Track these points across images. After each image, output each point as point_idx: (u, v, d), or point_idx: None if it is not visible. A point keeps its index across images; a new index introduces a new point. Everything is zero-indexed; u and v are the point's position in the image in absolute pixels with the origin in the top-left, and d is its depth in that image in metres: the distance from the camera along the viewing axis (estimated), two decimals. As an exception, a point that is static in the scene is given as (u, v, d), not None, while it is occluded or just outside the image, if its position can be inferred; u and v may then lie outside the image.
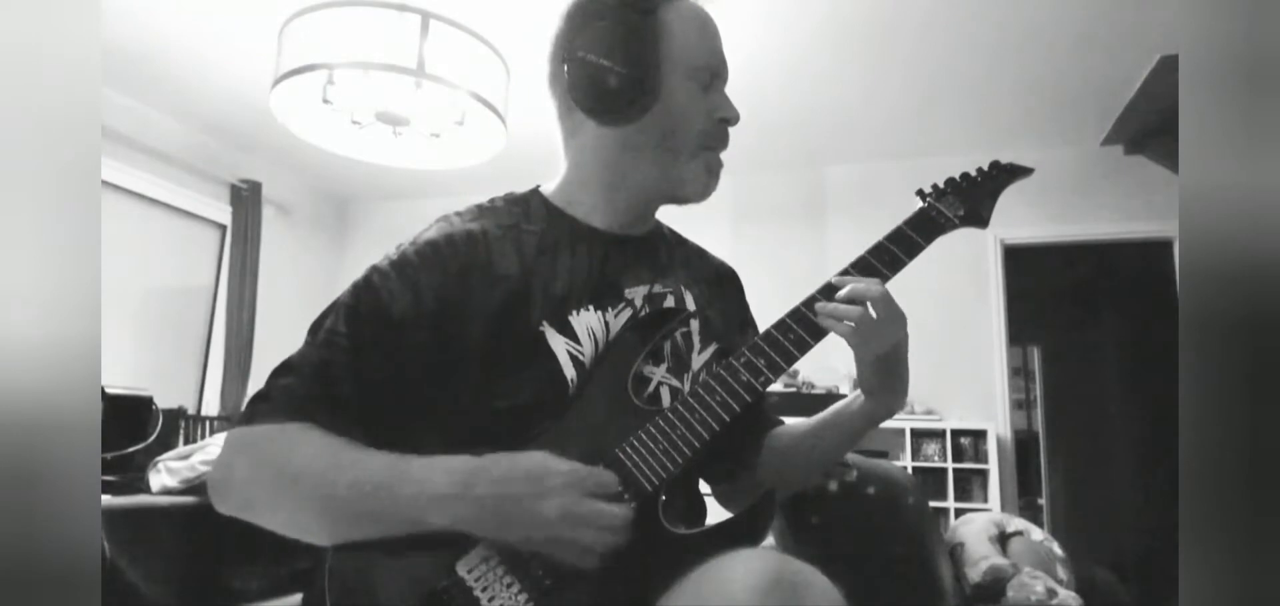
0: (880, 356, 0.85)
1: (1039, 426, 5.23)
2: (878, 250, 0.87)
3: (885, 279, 0.85)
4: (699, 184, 0.91)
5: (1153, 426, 4.76)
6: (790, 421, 1.04)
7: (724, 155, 0.93)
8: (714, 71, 0.91)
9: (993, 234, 4.21)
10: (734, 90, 0.94)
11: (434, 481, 0.72)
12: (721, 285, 1.05)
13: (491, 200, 0.94)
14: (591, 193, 0.93)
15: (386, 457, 0.75)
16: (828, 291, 0.84)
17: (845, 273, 0.86)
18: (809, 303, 0.84)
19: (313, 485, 0.74)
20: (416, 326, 0.81)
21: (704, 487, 0.97)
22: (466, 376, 0.82)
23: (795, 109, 3.96)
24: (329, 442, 0.76)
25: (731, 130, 0.93)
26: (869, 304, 0.81)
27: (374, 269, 0.85)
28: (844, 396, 0.95)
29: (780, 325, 0.84)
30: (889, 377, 0.88)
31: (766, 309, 1.04)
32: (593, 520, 0.70)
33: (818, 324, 0.83)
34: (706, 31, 0.91)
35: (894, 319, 0.83)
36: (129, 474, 1.93)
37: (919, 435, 4.08)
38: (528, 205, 0.94)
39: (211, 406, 4.57)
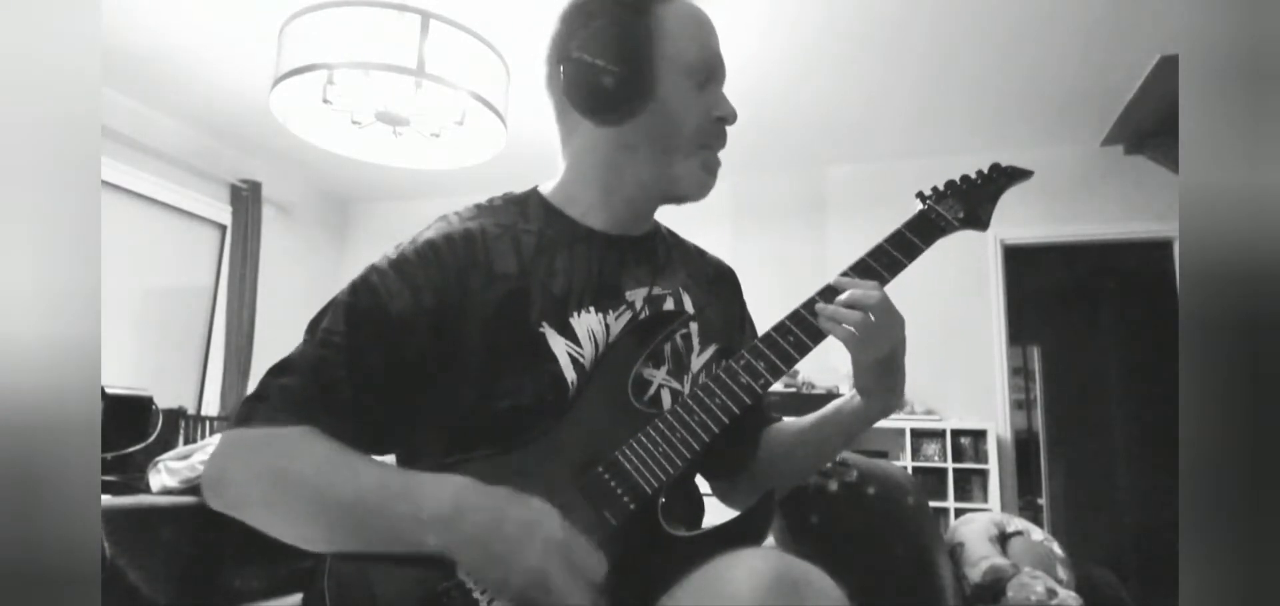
0: (878, 360, 0.85)
1: (1039, 426, 5.22)
2: (877, 253, 0.87)
3: (884, 281, 0.85)
4: (696, 182, 0.91)
5: (1153, 426, 4.76)
6: (787, 419, 1.04)
7: (724, 155, 0.93)
8: (710, 71, 0.90)
9: (993, 234, 4.21)
10: (735, 90, 0.94)
11: (427, 505, 0.70)
12: (720, 284, 1.05)
13: (490, 200, 0.94)
14: (589, 193, 0.93)
15: (382, 472, 0.74)
16: (828, 294, 0.84)
17: (845, 275, 0.86)
18: (809, 305, 0.84)
19: (308, 495, 0.74)
20: (415, 326, 0.80)
21: (704, 487, 0.97)
22: (466, 376, 0.81)
23: (795, 109, 3.96)
24: (325, 450, 0.75)
25: (732, 129, 0.93)
26: (868, 311, 0.82)
27: (372, 268, 0.84)
28: (843, 396, 0.95)
29: (780, 327, 0.84)
30: (886, 379, 0.88)
31: (767, 309, 1.04)
32: (561, 591, 0.66)
33: (817, 326, 0.83)
34: (702, 30, 0.91)
35: (892, 323, 0.84)
36: (129, 474, 1.93)
37: (919, 435, 4.07)
38: (526, 205, 0.93)
39: (211, 406, 4.57)
